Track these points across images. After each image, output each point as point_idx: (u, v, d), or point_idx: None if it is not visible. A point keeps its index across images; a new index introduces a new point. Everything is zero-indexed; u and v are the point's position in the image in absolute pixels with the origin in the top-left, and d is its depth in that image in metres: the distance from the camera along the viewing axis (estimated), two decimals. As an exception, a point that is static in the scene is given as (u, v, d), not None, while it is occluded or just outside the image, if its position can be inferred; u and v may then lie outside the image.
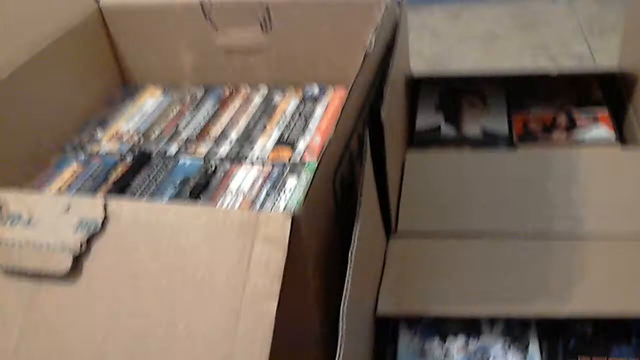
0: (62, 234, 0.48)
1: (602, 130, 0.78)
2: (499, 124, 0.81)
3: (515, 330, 0.57)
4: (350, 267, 0.48)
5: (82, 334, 0.47)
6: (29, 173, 0.73)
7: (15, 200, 0.50)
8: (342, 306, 0.46)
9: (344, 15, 0.78)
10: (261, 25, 0.81)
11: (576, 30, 1.36)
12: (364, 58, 0.57)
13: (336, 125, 0.54)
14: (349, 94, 0.57)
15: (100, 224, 0.48)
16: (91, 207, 0.48)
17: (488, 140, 0.79)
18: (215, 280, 0.45)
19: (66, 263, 0.47)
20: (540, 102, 0.85)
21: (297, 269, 0.47)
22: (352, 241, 0.50)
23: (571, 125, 0.80)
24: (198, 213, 0.48)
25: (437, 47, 1.36)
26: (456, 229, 0.65)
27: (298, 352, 0.52)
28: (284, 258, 0.45)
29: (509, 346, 0.56)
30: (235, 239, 0.46)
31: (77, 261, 0.47)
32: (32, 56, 0.74)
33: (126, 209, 0.49)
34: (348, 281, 0.48)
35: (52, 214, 0.49)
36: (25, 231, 0.49)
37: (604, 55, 1.26)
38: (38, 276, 0.48)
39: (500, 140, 0.78)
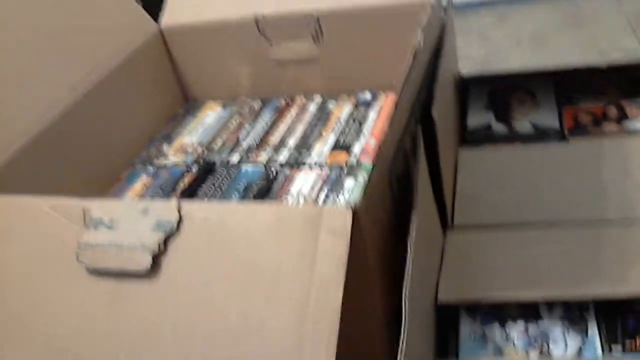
0: (141, 235, 0.52)
1: (653, 119, 0.79)
2: (549, 119, 0.82)
3: (573, 313, 0.59)
4: (410, 255, 0.51)
5: (162, 328, 0.50)
6: (103, 187, 0.77)
7: (98, 206, 0.54)
8: (404, 292, 0.49)
9: (393, 21, 0.81)
10: (312, 37, 0.85)
11: (625, 25, 1.35)
12: (412, 57, 0.60)
13: (390, 125, 0.57)
14: (400, 93, 0.59)
15: (175, 225, 0.51)
16: (166, 209, 0.52)
17: (539, 135, 0.80)
18: (283, 272, 0.48)
19: (146, 262, 0.51)
20: (590, 96, 0.86)
21: (359, 258, 0.50)
22: (410, 231, 0.53)
23: (622, 116, 0.81)
24: (265, 210, 0.51)
25: (486, 50, 1.37)
26: (511, 221, 0.67)
27: (363, 338, 0.54)
28: (347, 248, 0.48)
29: (568, 329, 0.58)
30: (301, 232, 0.49)
31: (156, 260, 0.51)
32: (100, 80, 0.78)
33: (198, 210, 0.52)
34: (409, 268, 0.50)
35: (131, 217, 0.53)
36: (107, 234, 0.53)
37: (654, 48, 1.25)
38: (121, 275, 0.52)
39: (552, 134, 0.80)
